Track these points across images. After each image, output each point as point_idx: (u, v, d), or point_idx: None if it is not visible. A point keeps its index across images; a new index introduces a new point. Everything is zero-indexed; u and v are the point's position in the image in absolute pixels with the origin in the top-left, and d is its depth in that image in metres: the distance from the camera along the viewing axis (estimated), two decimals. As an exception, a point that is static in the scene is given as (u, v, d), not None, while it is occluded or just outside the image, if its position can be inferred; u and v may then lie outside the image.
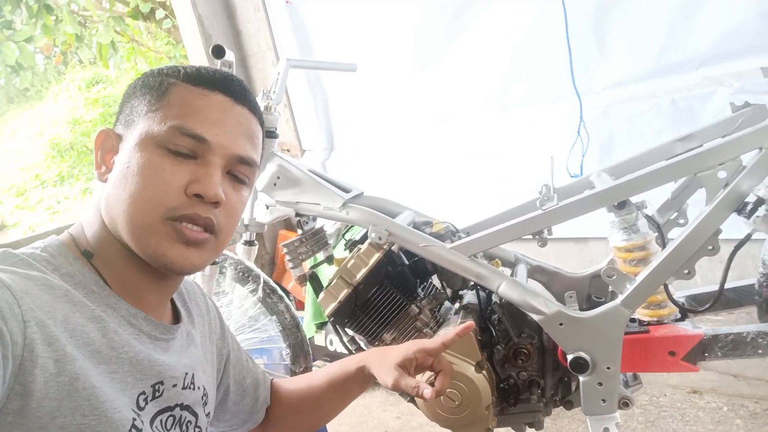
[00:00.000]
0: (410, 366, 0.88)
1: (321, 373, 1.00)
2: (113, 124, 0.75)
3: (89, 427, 0.58)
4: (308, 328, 2.37)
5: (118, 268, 0.70)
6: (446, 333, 0.90)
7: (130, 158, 0.68)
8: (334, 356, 2.41)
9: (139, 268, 0.70)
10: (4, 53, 5.46)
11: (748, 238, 1.16)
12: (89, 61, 8.22)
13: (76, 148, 8.63)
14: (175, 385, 0.72)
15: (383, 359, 0.91)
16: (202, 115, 0.70)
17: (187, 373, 0.76)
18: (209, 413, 0.83)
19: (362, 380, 0.95)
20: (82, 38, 6.24)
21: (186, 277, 0.91)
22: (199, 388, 0.78)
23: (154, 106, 0.70)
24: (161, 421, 0.70)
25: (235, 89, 0.74)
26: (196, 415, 0.77)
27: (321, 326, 2.39)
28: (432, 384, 0.84)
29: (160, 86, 0.71)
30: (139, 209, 0.66)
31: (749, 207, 1.10)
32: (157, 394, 0.69)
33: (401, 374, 0.86)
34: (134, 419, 0.64)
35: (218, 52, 1.24)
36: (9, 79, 6.50)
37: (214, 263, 1.55)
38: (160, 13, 5.74)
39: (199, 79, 0.72)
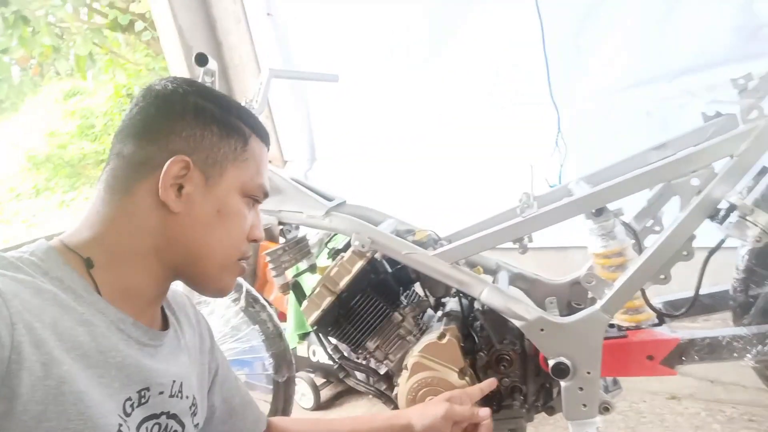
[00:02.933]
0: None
1: (342, 422, 1.02)
2: (184, 151, 0.72)
3: None
4: (291, 338, 2.35)
5: (122, 282, 0.70)
6: (472, 409, 1.07)
7: (225, 203, 0.75)
8: (316, 367, 2.40)
9: (147, 286, 0.73)
10: (-21, 64, 5.38)
11: (721, 243, 1.19)
12: (66, 73, 8.11)
13: (53, 160, 8.49)
14: (161, 393, 0.72)
15: (429, 417, 1.01)
16: (265, 172, 0.81)
17: (174, 381, 0.75)
18: (198, 424, 0.81)
19: None
20: (60, 50, 6.18)
21: (175, 289, 0.91)
22: (187, 397, 0.78)
23: (240, 156, 0.76)
24: (147, 428, 0.69)
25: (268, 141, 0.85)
26: (183, 424, 0.76)
27: (304, 337, 2.37)
28: None
29: (241, 133, 0.77)
30: (225, 251, 0.76)
31: (722, 213, 1.13)
32: (143, 401, 0.68)
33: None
34: (120, 425, 0.63)
35: (201, 60, 1.24)
36: (-16, 91, 6.40)
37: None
38: (139, 25, 5.72)
39: (264, 136, 0.82)
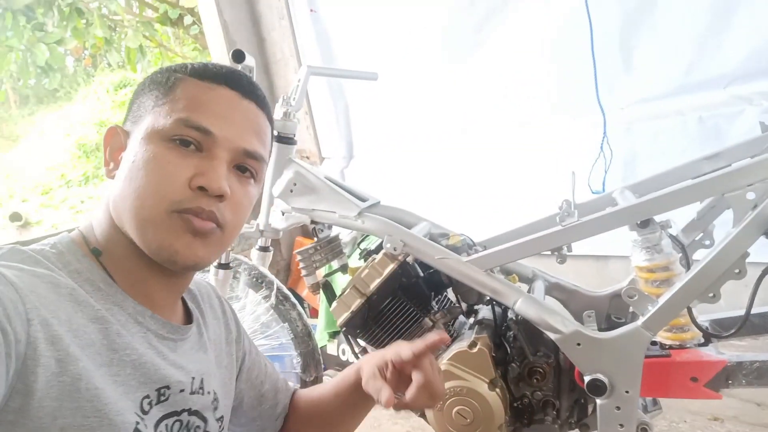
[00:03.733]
0: (385, 369, 0.81)
1: (329, 382, 0.98)
2: (123, 122, 0.75)
3: (90, 429, 0.57)
4: (321, 336, 2.35)
5: (126, 266, 0.69)
6: (417, 343, 0.81)
7: (137, 153, 0.68)
8: (345, 366, 2.39)
9: (147, 266, 0.69)
10: (34, 54, 5.59)
11: (777, 262, 1.12)
12: (117, 65, 8.37)
13: (102, 149, 8.77)
14: (182, 390, 0.71)
15: (369, 360, 0.85)
16: (208, 108, 0.69)
17: (194, 378, 0.74)
18: (221, 418, 0.81)
19: (360, 387, 0.87)
20: (112, 42, 6.37)
21: (200, 280, 0.91)
22: (209, 393, 0.77)
23: (161, 100, 0.70)
24: (167, 425, 0.68)
25: (242, 84, 0.74)
26: (205, 420, 0.75)
27: (334, 335, 2.37)
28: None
29: (167, 81, 0.71)
30: (144, 203, 0.66)
31: (779, 230, 1.06)
32: (162, 398, 0.68)
33: (374, 375, 0.80)
34: (137, 422, 0.62)
35: (238, 56, 1.24)
36: (39, 80, 6.67)
37: (228, 267, 1.54)
38: (188, 20, 5.84)
39: (206, 73, 0.72)
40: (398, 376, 0.82)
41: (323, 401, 0.96)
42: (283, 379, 0.99)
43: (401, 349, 0.81)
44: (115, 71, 9.87)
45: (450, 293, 1.44)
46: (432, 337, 0.81)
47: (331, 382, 0.97)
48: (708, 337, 1.22)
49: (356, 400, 0.92)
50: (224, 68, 0.74)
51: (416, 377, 0.79)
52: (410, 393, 0.77)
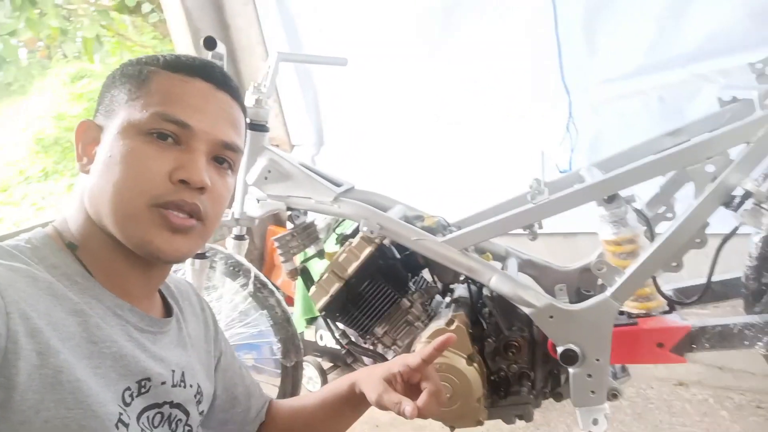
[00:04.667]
0: (395, 381, 0.83)
1: (315, 393, 0.97)
2: (93, 115, 0.74)
3: (74, 421, 0.57)
4: (298, 323, 2.36)
5: (103, 260, 0.69)
6: (424, 348, 0.83)
7: (113, 147, 0.67)
8: (323, 351, 2.41)
9: (124, 259, 0.69)
10: (-14, 47, 5.38)
11: (735, 231, 1.18)
12: (74, 56, 8.11)
13: (61, 143, 8.50)
14: (163, 383, 0.71)
15: (371, 374, 0.86)
16: (183, 101, 0.69)
17: (174, 371, 0.74)
18: (203, 411, 0.81)
19: (354, 400, 0.89)
20: (67, 32, 6.16)
21: (178, 277, 0.91)
22: (191, 386, 0.77)
23: (134, 94, 0.69)
24: (148, 417, 0.69)
25: (215, 75, 0.74)
26: (187, 413, 0.76)
27: (311, 321, 2.38)
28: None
29: (140, 74, 0.70)
30: (123, 198, 0.66)
31: (737, 200, 1.12)
32: (143, 390, 0.68)
33: (385, 389, 0.80)
34: (121, 413, 0.63)
35: (210, 43, 1.23)
36: (-8, 74, 6.40)
37: (204, 257, 1.54)
38: (146, 7, 5.69)
39: (179, 65, 0.72)
40: (408, 386, 0.83)
41: (307, 410, 0.95)
42: (258, 385, 0.99)
43: (407, 359, 0.82)
44: (72, 62, 9.54)
45: (426, 274, 1.46)
46: (438, 340, 0.81)
47: (318, 392, 0.96)
48: (672, 305, 1.28)
49: (345, 411, 0.92)
50: (197, 60, 0.74)
51: (427, 385, 0.80)
52: (423, 401, 0.77)
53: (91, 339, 0.63)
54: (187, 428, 0.76)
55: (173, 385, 0.73)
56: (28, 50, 8.82)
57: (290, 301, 2.66)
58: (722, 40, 1.78)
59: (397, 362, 0.84)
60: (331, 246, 1.57)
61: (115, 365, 0.65)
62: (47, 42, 6.95)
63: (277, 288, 2.67)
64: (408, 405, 0.75)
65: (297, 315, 2.36)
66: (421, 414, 0.77)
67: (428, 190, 2.38)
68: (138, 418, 0.66)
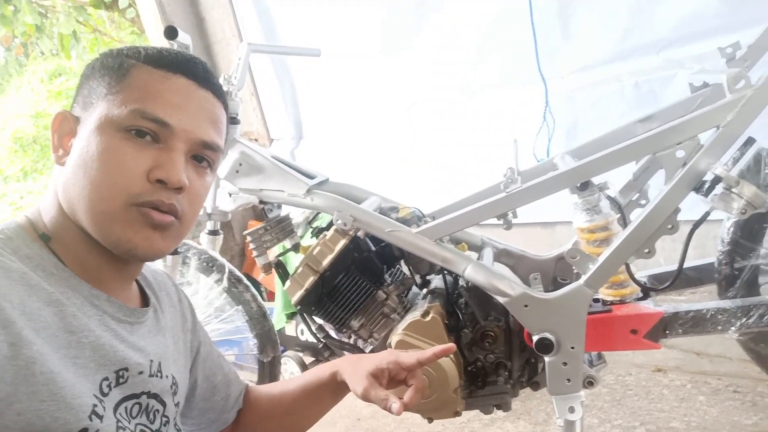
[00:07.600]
0: (382, 377, 0.85)
1: (295, 379, 0.98)
2: (70, 106, 0.72)
3: (48, 413, 0.56)
4: (279, 318, 2.35)
5: (77, 252, 0.68)
6: (423, 352, 0.86)
7: (90, 142, 0.66)
8: (305, 346, 2.38)
9: (98, 253, 0.68)
10: (-41, 44, 5.26)
11: (706, 216, 1.18)
12: (51, 53, 7.97)
13: (39, 142, 8.38)
14: (141, 372, 0.71)
15: (356, 366, 0.88)
16: (164, 98, 0.68)
17: (152, 361, 0.74)
18: (179, 403, 0.81)
19: (335, 387, 0.92)
20: (43, 29, 6.03)
21: (156, 268, 0.90)
22: (167, 376, 0.77)
23: (114, 88, 0.67)
24: (126, 408, 0.68)
25: (198, 72, 0.72)
26: (164, 404, 0.75)
27: (291, 316, 2.37)
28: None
29: (120, 67, 0.69)
30: (101, 196, 0.65)
31: (707, 185, 1.11)
32: (121, 380, 0.67)
33: (372, 384, 0.83)
34: (95, 405, 0.62)
35: (171, 33, 1.19)
36: (-34, 72, 6.27)
37: (176, 253, 1.51)
38: (123, 2, 5.58)
39: (161, 61, 0.70)
40: (392, 381, 0.87)
41: (287, 397, 0.96)
42: (234, 372, 0.99)
43: (401, 357, 0.85)
44: (49, 59, 9.38)
45: (402, 265, 1.46)
46: (440, 347, 0.86)
47: (298, 378, 0.97)
48: (646, 292, 1.28)
49: (326, 397, 0.94)
50: (180, 55, 0.73)
51: (414, 382, 0.84)
52: (409, 398, 0.81)
53: (68, 329, 0.62)
54: (164, 419, 0.75)
55: (150, 375, 0.73)
56: (4, 48, 8.66)
57: (272, 296, 2.65)
58: (696, 25, 1.79)
59: (387, 359, 0.86)
60: (308, 240, 1.55)
61: (94, 355, 0.64)
62: (23, 39, 6.80)
63: (259, 284, 2.65)
64: (395, 402, 0.78)
65: (277, 310, 2.35)
66: (407, 409, 0.80)
67: (408, 182, 2.37)
68: (115, 409, 0.66)
